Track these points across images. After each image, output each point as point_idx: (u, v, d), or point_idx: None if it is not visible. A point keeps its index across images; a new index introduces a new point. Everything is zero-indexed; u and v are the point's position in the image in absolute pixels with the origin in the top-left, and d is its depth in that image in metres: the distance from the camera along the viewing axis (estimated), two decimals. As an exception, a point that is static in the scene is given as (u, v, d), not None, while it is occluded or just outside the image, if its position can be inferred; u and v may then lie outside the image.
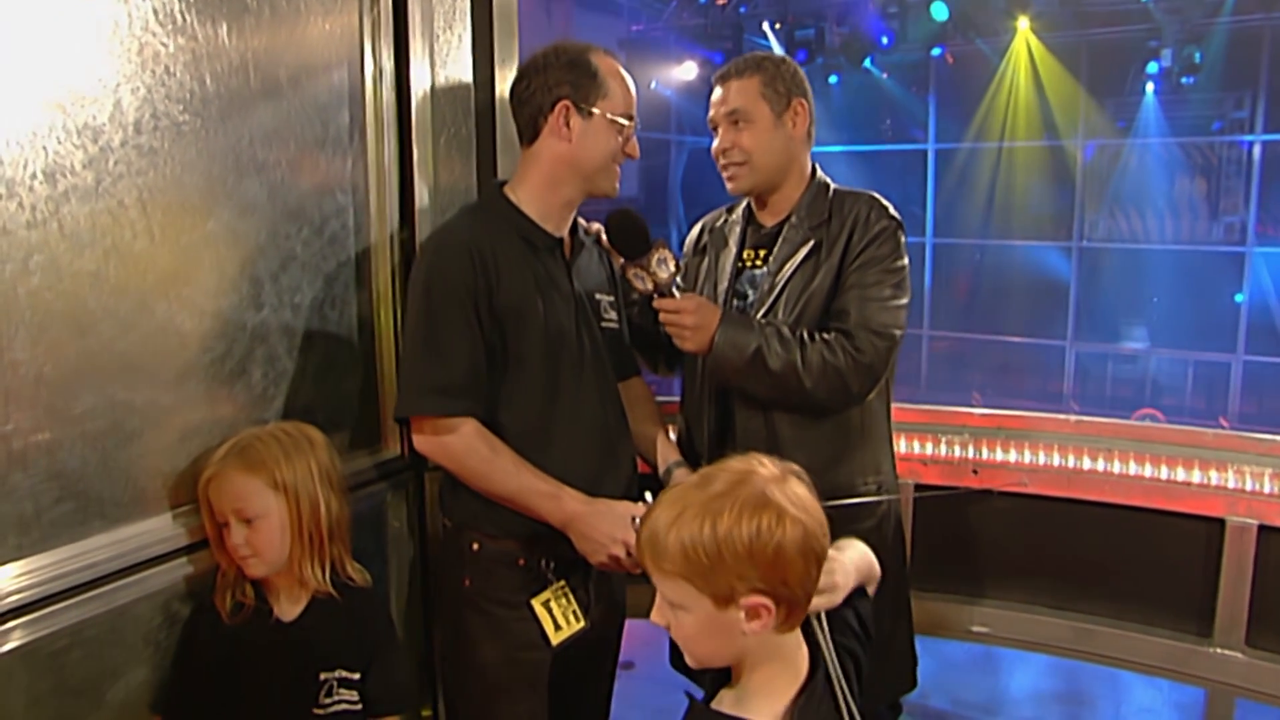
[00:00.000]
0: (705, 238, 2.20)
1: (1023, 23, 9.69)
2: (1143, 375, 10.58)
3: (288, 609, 1.70)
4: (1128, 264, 10.37)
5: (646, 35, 10.51)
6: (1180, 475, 2.54)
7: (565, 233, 1.91)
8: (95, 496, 1.52)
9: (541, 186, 1.86)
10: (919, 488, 2.72)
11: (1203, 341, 10.02)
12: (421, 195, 2.09)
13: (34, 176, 1.39)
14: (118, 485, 1.55)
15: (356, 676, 1.71)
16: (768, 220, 2.10)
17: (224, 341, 1.71)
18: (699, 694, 1.33)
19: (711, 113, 2.07)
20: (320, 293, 1.91)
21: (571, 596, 1.87)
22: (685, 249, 2.25)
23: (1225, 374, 9.99)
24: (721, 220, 2.19)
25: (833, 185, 2.08)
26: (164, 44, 1.56)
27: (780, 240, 2.03)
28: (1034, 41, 10.05)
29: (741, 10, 10.08)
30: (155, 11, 1.55)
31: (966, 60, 10.35)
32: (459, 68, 2.16)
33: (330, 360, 1.95)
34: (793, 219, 2.04)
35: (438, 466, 1.85)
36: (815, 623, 1.25)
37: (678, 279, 1.86)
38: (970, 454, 2.72)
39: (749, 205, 2.14)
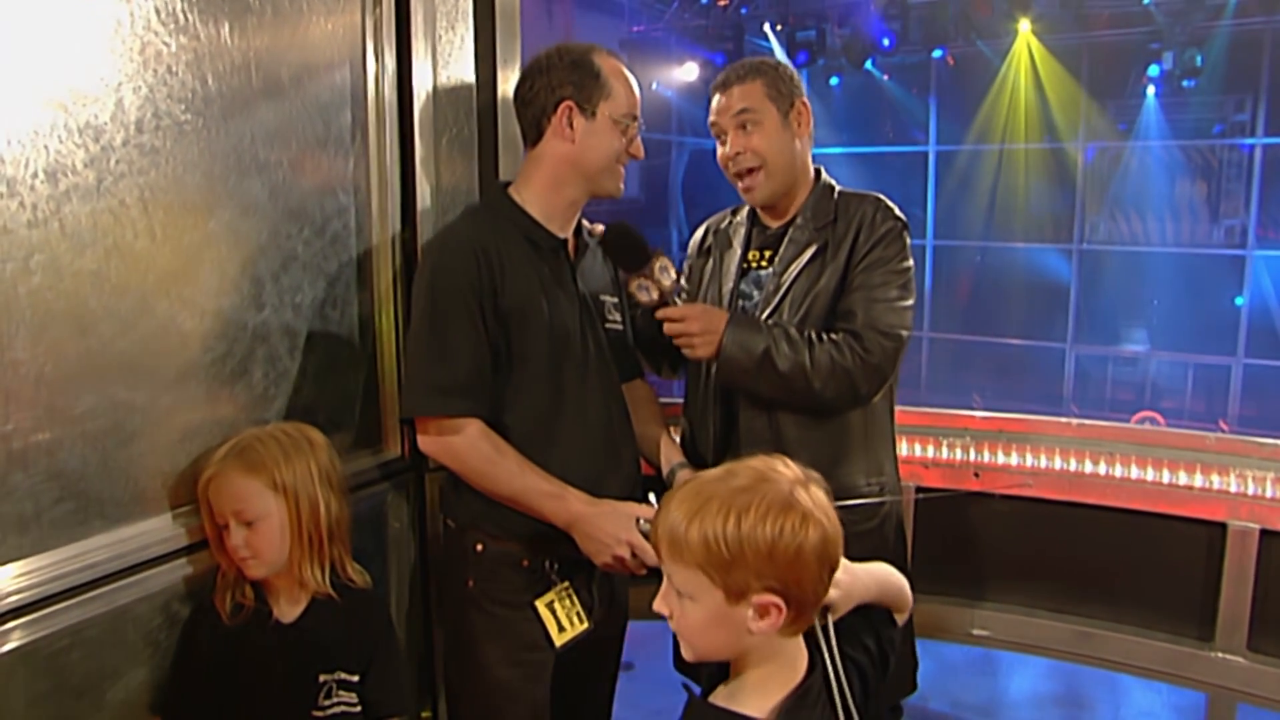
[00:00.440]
0: (710, 239, 2.19)
1: (1024, 25, 9.69)
2: (1143, 378, 10.59)
3: (287, 610, 1.69)
4: (1128, 266, 10.38)
5: (647, 36, 10.51)
6: (1182, 479, 2.54)
7: (570, 234, 1.90)
8: (95, 496, 1.51)
9: (545, 187, 1.86)
10: (920, 490, 2.72)
11: (1203, 344, 10.02)
12: (423, 195, 2.09)
13: (35, 175, 1.39)
14: (118, 485, 1.55)
15: (356, 678, 1.71)
16: (772, 222, 2.09)
17: (225, 341, 1.71)
18: (699, 692, 1.33)
19: (715, 119, 2.05)
20: (321, 293, 1.91)
21: (575, 598, 1.87)
22: (689, 250, 2.25)
23: (1225, 377, 10.00)
24: (726, 222, 2.19)
25: (837, 187, 2.08)
26: (166, 43, 1.56)
27: (786, 241, 2.03)
28: (1035, 44, 10.06)
29: (743, 11, 10.09)
30: (157, 11, 1.54)
31: (967, 62, 10.35)
32: (461, 68, 2.16)
33: (331, 361, 1.95)
34: (798, 220, 2.04)
35: (438, 467, 1.85)
36: (819, 628, 1.25)
37: (681, 285, 1.86)
38: (971, 457, 2.71)
39: (753, 207, 2.13)
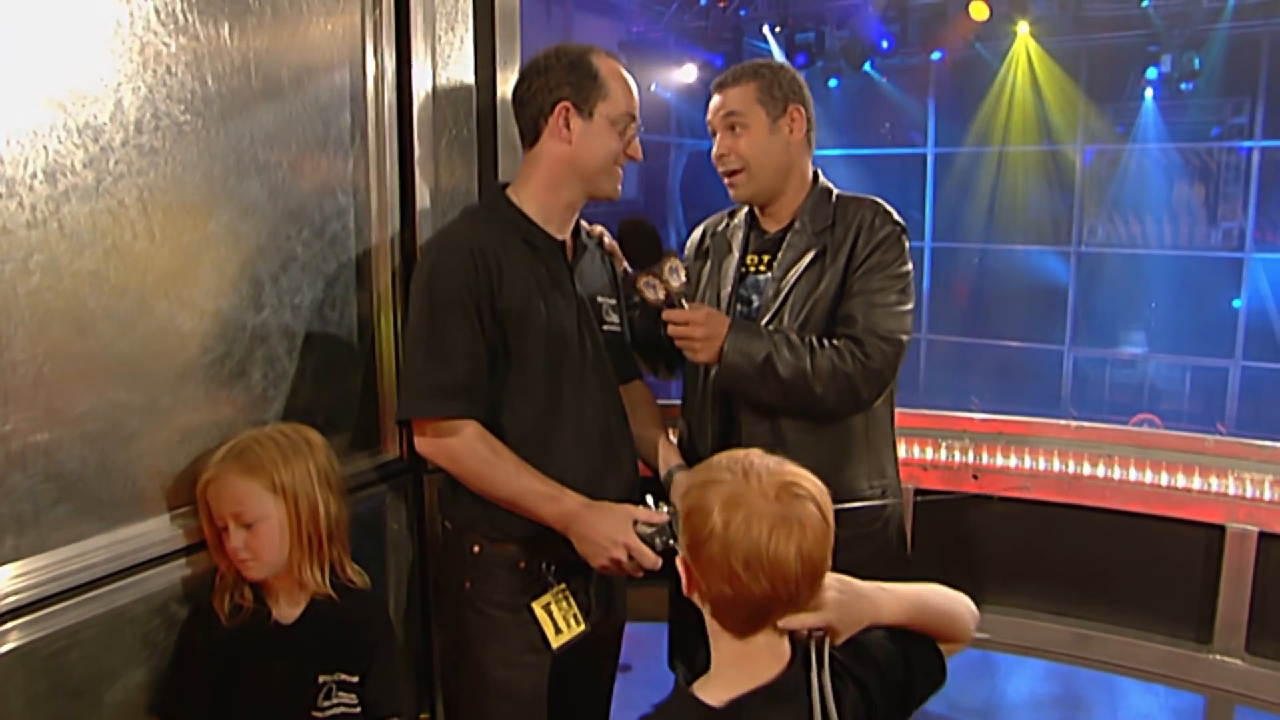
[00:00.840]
0: (707, 242, 2.19)
1: (1022, 27, 9.69)
2: (1141, 380, 10.58)
3: (287, 611, 1.69)
4: (1126, 269, 10.37)
5: (646, 37, 10.49)
6: (1180, 481, 2.55)
7: (568, 235, 1.90)
8: (94, 497, 1.51)
9: (543, 188, 1.86)
10: (919, 493, 2.72)
11: (1201, 347, 10.01)
12: (422, 197, 2.09)
13: (34, 176, 1.39)
14: (116, 486, 1.55)
15: (355, 679, 1.71)
16: (770, 226, 2.09)
17: (224, 342, 1.71)
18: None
19: (709, 118, 2.07)
20: (320, 294, 1.91)
21: (572, 599, 1.86)
22: (686, 253, 2.25)
23: (1223, 379, 9.99)
24: (723, 225, 2.19)
25: (835, 190, 2.08)
26: (165, 44, 1.56)
27: (784, 246, 2.03)
28: (1033, 46, 10.05)
29: (742, 13, 10.07)
30: (157, 11, 1.54)
31: (966, 65, 10.35)
32: (461, 69, 2.16)
33: (330, 362, 1.95)
34: (796, 224, 2.04)
35: (437, 469, 1.85)
36: (812, 640, 1.24)
37: (688, 290, 1.87)
38: (970, 459, 2.72)
39: (751, 210, 2.13)
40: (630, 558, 1.71)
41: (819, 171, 2.10)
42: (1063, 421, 2.73)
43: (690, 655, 2.10)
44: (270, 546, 1.62)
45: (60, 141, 1.42)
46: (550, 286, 1.83)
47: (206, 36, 1.62)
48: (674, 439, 2.19)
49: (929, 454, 2.75)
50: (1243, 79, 9.40)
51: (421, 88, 2.07)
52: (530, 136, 1.86)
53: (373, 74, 1.99)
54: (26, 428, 1.41)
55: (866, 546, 1.96)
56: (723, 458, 1.26)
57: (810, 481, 1.22)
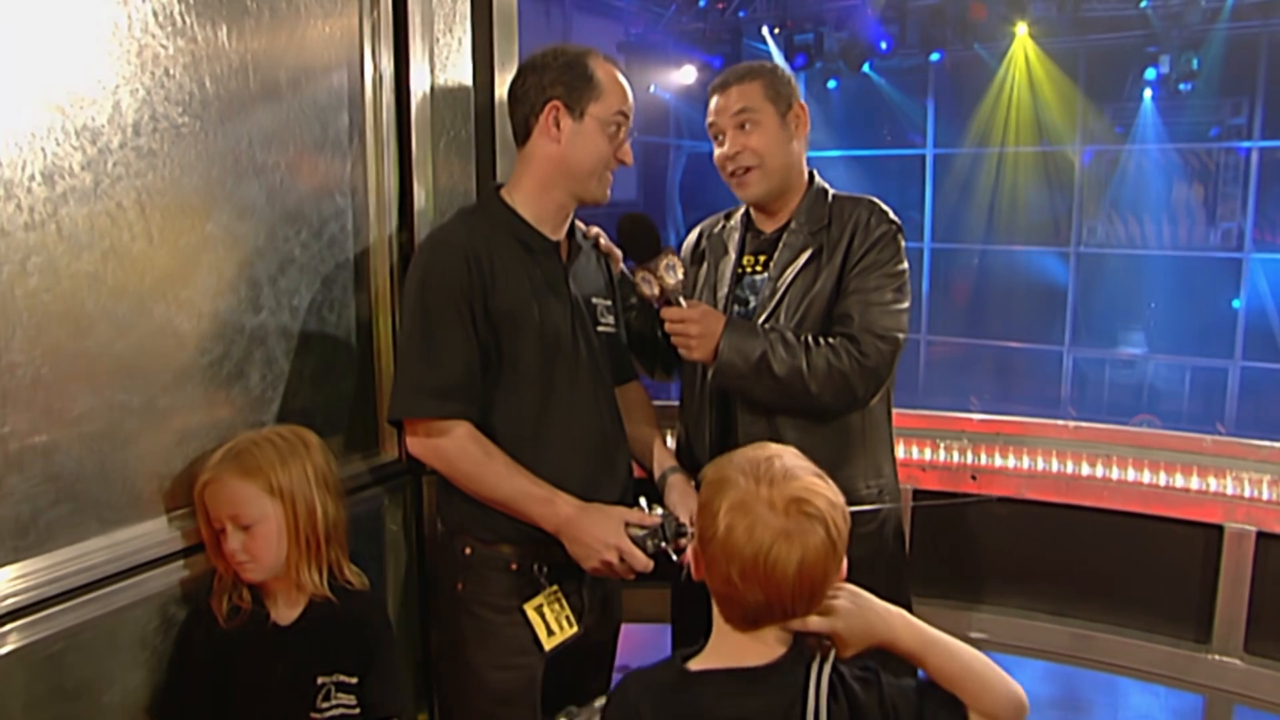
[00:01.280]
0: (704, 243, 2.19)
1: (1021, 28, 9.70)
2: (1140, 381, 10.59)
3: (285, 613, 1.69)
4: (1125, 269, 10.38)
5: (645, 39, 10.50)
6: (1179, 481, 2.55)
7: (562, 236, 1.90)
8: (92, 499, 1.51)
9: (535, 189, 1.85)
10: (917, 493, 2.72)
11: (1200, 347, 10.02)
12: (420, 198, 2.09)
13: (32, 178, 1.39)
14: (115, 488, 1.55)
15: (354, 681, 1.71)
16: (767, 226, 2.09)
17: (222, 344, 1.71)
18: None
19: (714, 119, 2.04)
20: (318, 295, 1.91)
21: (564, 601, 1.86)
22: (683, 254, 2.24)
23: (1223, 380, 10.00)
24: (719, 226, 2.19)
25: (831, 190, 2.08)
26: (163, 46, 1.56)
27: (780, 246, 2.03)
28: (1032, 47, 10.07)
29: (740, 14, 10.09)
30: (155, 13, 1.54)
31: (965, 65, 10.35)
32: (459, 71, 2.16)
33: (328, 363, 1.95)
34: (792, 224, 2.04)
35: (435, 470, 1.85)
36: (815, 645, 1.24)
37: (684, 287, 1.87)
38: (969, 460, 2.72)
39: (747, 211, 2.13)
40: (622, 560, 1.71)
41: (814, 172, 2.11)
42: (1061, 422, 2.72)
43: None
44: (268, 548, 1.62)
45: (58, 144, 1.42)
46: (544, 287, 1.83)
47: (204, 39, 1.63)
48: (671, 441, 2.19)
49: (928, 454, 2.75)
50: (1241, 79, 9.42)
51: (419, 89, 2.07)
52: (521, 135, 1.86)
53: (370, 76, 1.99)
54: (25, 429, 1.41)
55: (862, 546, 1.95)
56: (746, 454, 1.25)
57: (825, 499, 1.20)
